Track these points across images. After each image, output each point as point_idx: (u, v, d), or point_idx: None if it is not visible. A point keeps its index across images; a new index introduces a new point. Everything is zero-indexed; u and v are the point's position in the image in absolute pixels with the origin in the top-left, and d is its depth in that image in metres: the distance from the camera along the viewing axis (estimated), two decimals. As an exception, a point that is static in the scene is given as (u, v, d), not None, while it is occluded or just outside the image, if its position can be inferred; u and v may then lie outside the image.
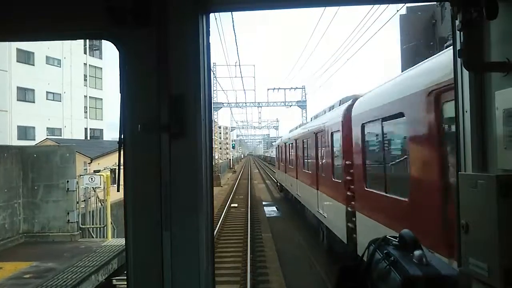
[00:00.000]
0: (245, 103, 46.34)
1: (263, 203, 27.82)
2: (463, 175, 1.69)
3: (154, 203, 1.47)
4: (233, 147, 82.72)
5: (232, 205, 24.05)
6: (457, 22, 1.58)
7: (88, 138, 40.18)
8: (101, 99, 43.35)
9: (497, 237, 1.41)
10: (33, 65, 34.36)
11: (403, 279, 1.19)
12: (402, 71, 7.45)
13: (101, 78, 43.51)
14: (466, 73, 1.69)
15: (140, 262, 1.49)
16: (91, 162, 27.61)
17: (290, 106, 45.37)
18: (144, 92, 1.48)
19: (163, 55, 1.46)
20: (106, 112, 43.74)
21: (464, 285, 1.44)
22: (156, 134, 1.46)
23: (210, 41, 1.57)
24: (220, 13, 7.80)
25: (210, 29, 1.56)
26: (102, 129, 43.59)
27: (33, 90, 34.48)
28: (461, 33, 1.60)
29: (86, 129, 40.83)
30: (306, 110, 45.04)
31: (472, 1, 1.48)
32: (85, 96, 40.88)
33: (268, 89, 56.14)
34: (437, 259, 1.30)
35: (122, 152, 1.50)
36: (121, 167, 1.50)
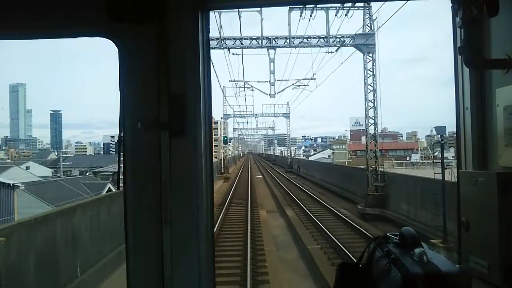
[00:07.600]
0: (242, 40, 21.80)
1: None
2: (464, 173, 1.77)
3: (153, 201, 1.49)
4: (225, 142, 59.73)
5: None
6: (457, 19, 1.63)
7: None
8: None
9: (497, 235, 1.50)
10: None
11: (404, 276, 1.19)
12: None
13: None
14: (466, 70, 1.77)
15: (140, 260, 1.52)
16: None
17: (339, 47, 21.04)
18: (143, 90, 1.51)
19: (163, 53, 1.49)
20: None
21: (465, 283, 1.29)
22: (155, 132, 1.49)
23: (209, 38, 1.60)
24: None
25: (209, 26, 1.59)
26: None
27: None
28: (462, 30, 1.65)
29: None
30: (374, 55, 20.47)
31: None
32: None
33: (290, 8, 20.98)
34: (438, 257, 1.27)
35: (122, 150, 1.54)
36: (121, 165, 1.53)
